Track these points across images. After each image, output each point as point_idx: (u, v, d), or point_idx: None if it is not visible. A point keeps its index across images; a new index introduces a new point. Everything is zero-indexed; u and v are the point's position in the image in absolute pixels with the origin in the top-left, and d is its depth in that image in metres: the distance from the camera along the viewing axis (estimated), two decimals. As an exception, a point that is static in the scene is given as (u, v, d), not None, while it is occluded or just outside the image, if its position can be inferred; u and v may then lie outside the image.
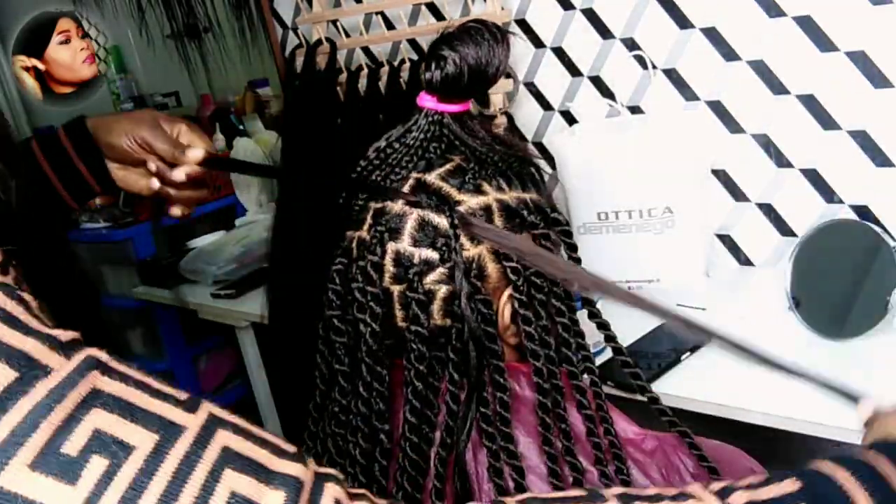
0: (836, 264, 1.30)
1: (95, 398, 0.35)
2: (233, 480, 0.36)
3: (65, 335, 0.37)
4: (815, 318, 1.25)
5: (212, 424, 0.38)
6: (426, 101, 0.64)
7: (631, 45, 1.55)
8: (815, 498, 0.44)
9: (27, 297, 0.39)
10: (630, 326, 1.29)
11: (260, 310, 1.73)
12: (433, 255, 0.61)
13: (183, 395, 0.39)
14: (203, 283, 1.97)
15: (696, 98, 1.51)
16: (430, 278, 0.62)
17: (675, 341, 1.26)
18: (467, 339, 0.60)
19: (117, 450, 0.35)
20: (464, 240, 0.61)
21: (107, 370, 0.37)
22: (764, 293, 1.40)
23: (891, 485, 0.45)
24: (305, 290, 1.11)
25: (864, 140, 1.35)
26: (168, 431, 0.36)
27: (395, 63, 1.71)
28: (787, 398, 1.09)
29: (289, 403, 1.81)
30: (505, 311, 0.63)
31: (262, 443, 0.39)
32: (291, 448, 0.40)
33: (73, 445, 0.34)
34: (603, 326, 0.68)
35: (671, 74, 1.52)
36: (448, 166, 0.64)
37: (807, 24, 1.35)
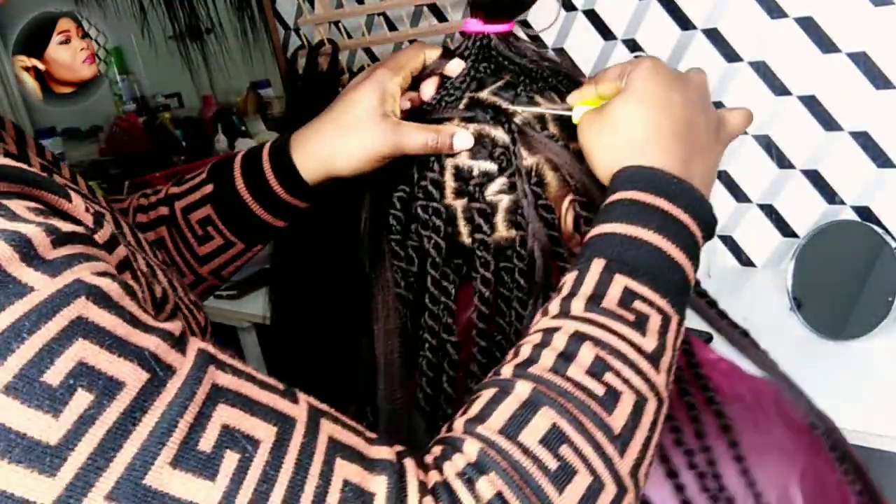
0: (838, 265, 1.30)
1: (218, 394, 0.36)
2: (343, 469, 0.38)
3: (174, 328, 0.38)
4: (817, 318, 1.26)
5: (315, 415, 0.39)
6: (471, 24, 0.66)
7: (633, 46, 1.55)
8: (625, 263, 0.47)
9: (132, 283, 0.39)
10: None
11: (262, 310, 1.73)
12: (492, 166, 0.63)
13: (280, 385, 0.40)
14: (205, 283, 1.97)
15: (698, 99, 1.51)
16: (491, 189, 0.63)
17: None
18: (532, 246, 0.61)
19: (246, 444, 0.36)
20: (521, 150, 0.62)
21: (219, 364, 0.38)
22: (765, 294, 1.41)
23: (666, 213, 0.49)
24: (309, 290, 1.11)
25: (865, 141, 1.35)
26: (283, 424, 0.38)
27: (397, 64, 1.72)
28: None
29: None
30: (567, 218, 0.64)
31: (355, 431, 0.41)
32: (372, 434, 0.42)
33: (207, 442, 0.35)
34: None
35: (673, 75, 1.52)
36: (499, 83, 0.65)
37: (808, 25, 1.35)
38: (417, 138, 0.62)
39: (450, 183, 0.64)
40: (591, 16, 1.59)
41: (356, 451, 0.39)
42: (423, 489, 0.39)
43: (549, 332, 0.46)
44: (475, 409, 0.43)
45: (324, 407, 0.41)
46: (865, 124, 1.35)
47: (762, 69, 1.42)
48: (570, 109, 0.62)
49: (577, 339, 0.44)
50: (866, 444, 1.02)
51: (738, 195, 1.52)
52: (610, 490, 0.41)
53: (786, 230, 1.49)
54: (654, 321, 0.46)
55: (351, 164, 0.65)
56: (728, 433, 0.57)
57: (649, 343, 0.45)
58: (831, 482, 0.58)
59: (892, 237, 1.26)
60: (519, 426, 0.41)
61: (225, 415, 0.36)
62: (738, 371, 0.63)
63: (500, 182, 0.63)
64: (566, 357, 0.44)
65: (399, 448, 0.42)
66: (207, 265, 0.75)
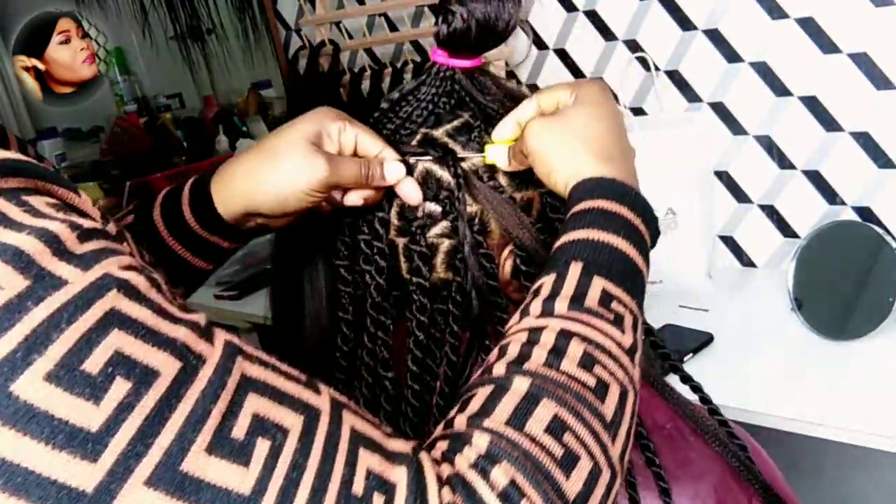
0: (839, 266, 1.30)
1: (248, 384, 0.38)
2: (366, 459, 0.39)
3: (199, 318, 0.39)
4: (818, 319, 1.26)
5: (337, 406, 0.41)
6: (437, 55, 0.64)
7: (633, 46, 1.55)
8: (601, 266, 0.51)
9: (157, 276, 0.40)
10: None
11: (263, 311, 1.74)
12: (436, 208, 0.62)
13: (302, 376, 0.42)
14: (205, 284, 1.96)
15: (699, 100, 1.51)
16: (434, 232, 0.63)
17: (676, 343, 1.26)
18: (469, 291, 0.61)
19: (276, 432, 0.37)
20: (466, 196, 0.62)
21: (246, 355, 0.39)
22: (766, 294, 1.41)
23: (629, 221, 0.53)
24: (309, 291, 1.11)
25: (866, 141, 1.36)
26: (309, 414, 0.39)
27: (398, 65, 1.72)
28: (790, 399, 1.09)
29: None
30: (506, 266, 0.64)
31: (373, 424, 0.42)
32: (388, 428, 0.44)
33: (239, 430, 0.36)
34: None
35: (674, 76, 1.53)
36: (456, 122, 0.64)
37: (809, 26, 1.35)
38: (353, 168, 0.59)
39: (394, 221, 0.64)
40: (592, 16, 1.59)
41: (376, 442, 0.41)
42: (440, 481, 0.41)
43: (535, 331, 0.48)
44: (475, 405, 0.45)
45: (343, 399, 0.42)
46: (866, 125, 1.35)
47: (763, 70, 1.42)
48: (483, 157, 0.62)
49: (565, 336, 0.47)
50: (867, 445, 1.02)
51: (739, 195, 1.52)
52: (606, 474, 0.43)
53: (786, 230, 1.49)
54: (629, 320, 0.50)
55: (271, 198, 0.60)
56: (652, 466, 0.60)
57: (627, 339, 0.49)
58: (743, 500, 0.61)
59: (893, 237, 1.26)
60: (523, 417, 0.43)
61: (255, 404, 0.37)
62: (657, 401, 0.65)
63: (444, 225, 0.62)
64: (557, 353, 0.46)
65: (413, 443, 0.43)
66: None
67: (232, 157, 0.64)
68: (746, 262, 1.57)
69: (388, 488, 0.39)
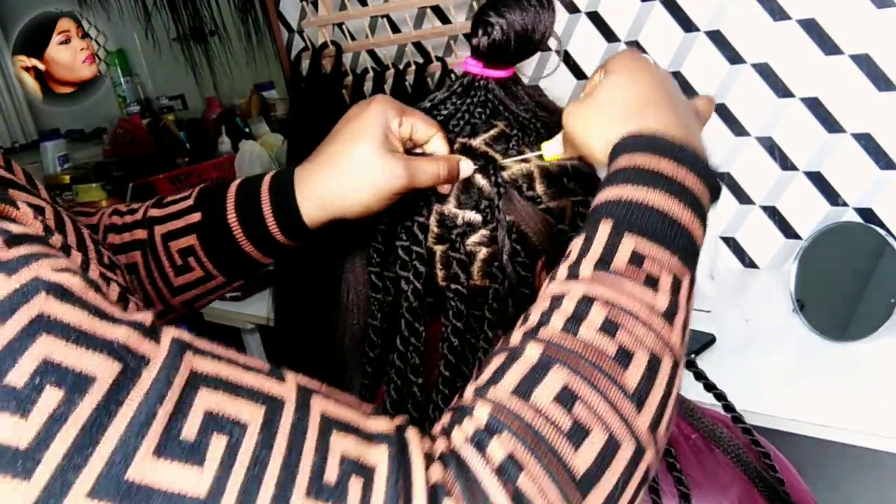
0: (841, 267, 1.30)
1: (198, 380, 0.35)
2: (340, 444, 0.37)
3: (144, 318, 0.36)
4: (820, 320, 1.26)
5: (305, 393, 0.38)
6: (471, 66, 0.64)
7: (636, 48, 1.56)
8: (633, 224, 0.46)
9: (96, 279, 0.38)
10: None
11: (266, 312, 1.74)
12: (477, 217, 0.63)
13: (265, 366, 0.39)
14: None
15: (701, 101, 1.51)
16: (472, 240, 0.63)
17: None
18: (505, 298, 0.61)
19: (232, 427, 0.35)
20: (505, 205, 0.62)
21: (196, 350, 0.37)
22: (768, 296, 1.41)
23: (669, 174, 0.47)
24: (312, 292, 1.11)
25: (868, 143, 1.36)
26: (271, 404, 0.36)
27: (401, 66, 1.72)
28: (792, 400, 1.09)
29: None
30: (543, 275, 0.64)
31: (349, 406, 0.40)
32: (368, 407, 0.41)
33: (190, 429, 0.34)
34: None
35: (676, 77, 1.52)
36: (493, 132, 0.65)
37: (811, 27, 1.35)
38: (429, 170, 0.60)
39: (433, 228, 0.64)
40: (594, 17, 1.59)
41: (352, 425, 0.38)
42: (430, 459, 0.38)
43: (557, 298, 0.45)
44: (485, 375, 0.42)
45: (314, 385, 0.40)
46: (868, 126, 1.35)
47: (765, 71, 1.42)
48: (540, 156, 0.62)
49: (587, 300, 0.43)
50: (869, 446, 1.02)
51: (741, 197, 1.52)
52: (627, 448, 0.40)
53: (788, 232, 1.49)
54: (665, 280, 0.45)
55: (361, 204, 0.61)
56: (673, 471, 0.59)
57: (662, 301, 0.44)
58: None
59: (895, 239, 1.26)
60: (530, 386, 0.40)
61: (207, 400, 0.35)
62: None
63: (482, 233, 0.63)
64: (576, 318, 0.43)
65: (399, 421, 0.41)
66: (181, 296, 0.71)
67: (311, 164, 0.65)
68: (748, 263, 1.57)
69: (365, 471, 0.36)
